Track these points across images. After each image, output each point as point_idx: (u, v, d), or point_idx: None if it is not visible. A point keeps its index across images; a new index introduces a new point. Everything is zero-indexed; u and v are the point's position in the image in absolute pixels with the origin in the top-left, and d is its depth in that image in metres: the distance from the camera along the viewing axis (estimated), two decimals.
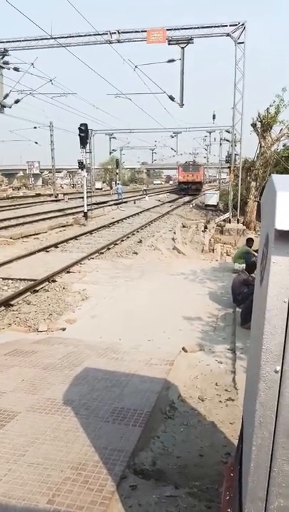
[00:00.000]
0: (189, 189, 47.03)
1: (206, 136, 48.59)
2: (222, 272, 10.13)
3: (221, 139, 40.98)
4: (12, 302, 7.48)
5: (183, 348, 5.47)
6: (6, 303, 7.37)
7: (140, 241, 15.28)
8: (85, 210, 19.97)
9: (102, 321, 6.74)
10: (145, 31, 15.61)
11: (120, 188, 36.83)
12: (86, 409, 3.59)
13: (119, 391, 3.98)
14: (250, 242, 9.98)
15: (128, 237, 16.08)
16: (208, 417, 3.83)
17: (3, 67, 16.06)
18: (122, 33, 16.00)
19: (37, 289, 8.42)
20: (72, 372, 4.40)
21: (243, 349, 5.41)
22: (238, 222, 19.04)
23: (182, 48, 15.71)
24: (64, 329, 6.31)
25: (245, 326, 6.16)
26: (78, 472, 2.74)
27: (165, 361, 4.87)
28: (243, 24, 15.84)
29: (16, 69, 17.07)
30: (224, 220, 20.14)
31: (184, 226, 19.15)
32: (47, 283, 8.89)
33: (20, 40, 16.54)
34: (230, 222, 19.25)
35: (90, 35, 16.14)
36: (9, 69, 17.01)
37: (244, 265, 8.25)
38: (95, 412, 3.55)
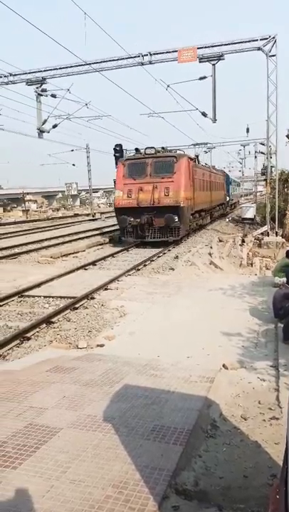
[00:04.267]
0: (150, 228, 17.41)
1: (240, 150, 47.53)
2: (262, 287, 9.89)
3: (255, 151, 40.57)
4: (53, 319, 7.65)
5: (223, 365, 5.35)
6: (48, 320, 7.55)
7: (176, 257, 15.25)
8: None
9: (140, 337, 6.74)
10: (176, 51, 15.91)
11: None
12: (126, 427, 3.58)
13: (159, 409, 3.94)
14: None
15: (164, 253, 16.10)
16: (252, 437, 3.71)
17: (41, 95, 16.86)
18: (154, 54, 16.39)
19: (76, 306, 8.57)
20: (111, 389, 4.41)
21: (286, 366, 5.22)
22: (276, 235, 18.60)
23: (213, 64, 15.86)
24: (103, 346, 6.36)
25: (288, 342, 5.95)
26: (119, 491, 2.72)
27: (205, 378, 4.78)
28: (274, 37, 15.80)
29: (53, 95, 17.87)
30: (262, 233, 19.74)
31: (220, 240, 18.95)
32: (86, 300, 9.03)
33: (56, 69, 17.33)
34: (268, 235, 18.84)
35: (123, 58, 16.65)
36: (47, 96, 17.83)
37: (285, 279, 8.02)
38: (135, 430, 3.53)
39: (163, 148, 18.92)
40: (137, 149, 18.77)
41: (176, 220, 16.87)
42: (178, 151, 19.33)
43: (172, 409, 3.95)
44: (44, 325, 7.39)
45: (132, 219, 17.10)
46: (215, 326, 7.01)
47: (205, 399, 4.22)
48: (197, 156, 24.81)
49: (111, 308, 8.48)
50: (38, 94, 16.96)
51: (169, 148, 19.99)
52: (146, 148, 17.87)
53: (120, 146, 20.76)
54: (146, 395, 4.25)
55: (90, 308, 8.51)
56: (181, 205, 16.93)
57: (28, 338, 6.78)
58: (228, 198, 38.86)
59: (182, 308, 8.30)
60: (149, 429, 3.54)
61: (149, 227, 17.24)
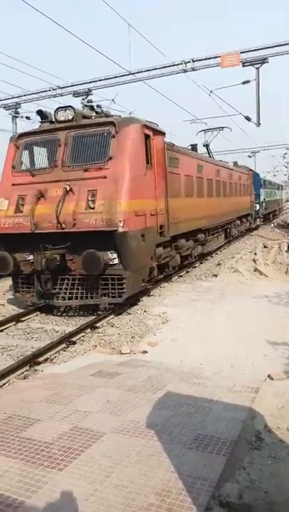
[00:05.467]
0: (60, 277, 8.31)
1: (285, 154, 45.77)
2: None
3: None
4: (97, 325, 7.80)
5: (268, 376, 5.21)
6: (92, 325, 7.70)
7: (219, 263, 15.05)
8: None
9: (182, 344, 6.71)
10: (218, 57, 15.83)
11: None
12: (169, 435, 3.58)
13: (202, 417, 3.91)
14: None
15: (207, 260, 15.94)
16: None
17: (87, 106, 17.35)
18: (196, 61, 16.41)
19: (120, 311, 8.68)
20: (154, 395, 4.43)
21: None
22: None
23: (257, 68, 15.62)
24: (145, 352, 6.40)
25: None
26: (162, 498, 2.72)
27: (249, 388, 4.68)
28: None
29: (98, 106, 18.32)
30: None
31: (265, 246, 18.45)
32: (129, 306, 9.13)
33: (101, 80, 17.81)
34: None
35: (166, 66, 16.80)
36: (92, 107, 18.35)
37: None
38: (177, 438, 3.53)
39: (93, 109, 9.71)
40: (41, 113, 9.26)
41: (115, 261, 8.02)
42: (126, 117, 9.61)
43: (216, 418, 3.90)
44: (89, 330, 7.56)
45: (26, 257, 8.37)
46: (260, 334, 6.84)
47: (249, 409, 4.13)
48: (195, 146, 15.66)
49: (153, 314, 8.52)
50: (84, 105, 17.47)
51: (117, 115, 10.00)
52: (57, 109, 8.94)
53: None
54: (188, 403, 4.23)
55: (133, 314, 8.58)
56: (123, 229, 7.76)
57: (74, 342, 6.95)
58: (257, 207, 27.12)
59: (225, 316, 8.18)
60: (192, 438, 3.52)
61: (57, 276, 8.33)
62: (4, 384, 5.33)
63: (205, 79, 17.80)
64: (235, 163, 24.54)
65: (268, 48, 15.60)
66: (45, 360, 6.19)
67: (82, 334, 7.33)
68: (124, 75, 17.27)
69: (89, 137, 8.50)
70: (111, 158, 8.08)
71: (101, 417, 3.88)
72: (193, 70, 16.58)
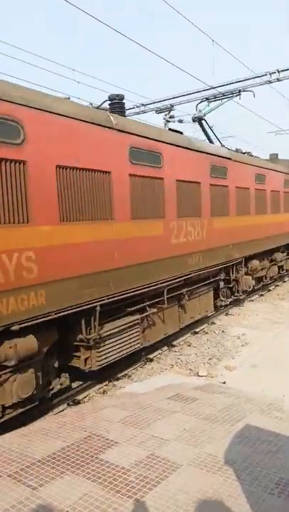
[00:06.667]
0: None
1: None
2: None
3: None
4: (174, 343, 7.77)
5: None
6: (169, 343, 7.70)
7: None
8: None
9: (263, 371, 6.39)
10: None
11: None
12: (248, 475, 3.40)
13: (285, 459, 3.65)
14: None
15: None
16: None
17: (169, 121, 17.63)
18: (282, 71, 15.80)
19: (197, 330, 8.57)
20: (233, 427, 4.26)
21: None
22: None
23: None
24: (224, 379, 6.20)
25: None
26: None
27: None
28: None
29: (180, 121, 18.55)
30: None
31: None
32: (206, 325, 8.97)
33: (183, 95, 17.97)
34: None
35: (249, 79, 16.43)
36: (174, 122, 18.59)
37: None
38: (258, 480, 3.33)
39: None
40: None
41: None
42: None
43: None
44: (166, 347, 7.55)
45: None
46: None
47: None
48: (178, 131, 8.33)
49: (232, 335, 8.26)
50: (167, 120, 17.79)
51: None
52: None
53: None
54: (270, 440, 3.99)
55: (210, 334, 8.41)
56: None
57: (151, 360, 7.00)
58: None
59: None
60: (273, 482, 3.30)
61: None
62: (85, 397, 5.53)
63: None
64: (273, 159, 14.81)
65: None
66: (124, 376, 6.31)
67: (159, 352, 7.35)
68: (205, 90, 17.25)
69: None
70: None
71: (178, 447, 3.82)
72: (278, 80, 15.96)
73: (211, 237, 8.25)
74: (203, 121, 10.69)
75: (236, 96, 11.57)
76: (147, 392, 5.41)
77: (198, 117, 10.86)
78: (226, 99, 12.05)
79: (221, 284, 9.64)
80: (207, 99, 11.07)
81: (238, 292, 10.23)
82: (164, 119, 17.44)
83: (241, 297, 10.58)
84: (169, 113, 17.81)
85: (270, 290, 12.92)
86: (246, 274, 10.51)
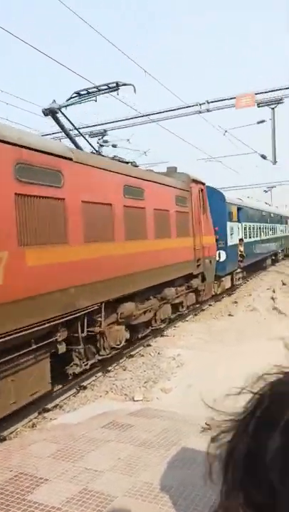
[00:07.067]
0: None
1: None
2: None
3: None
4: (109, 368, 7.58)
5: None
6: (104, 368, 7.49)
7: (236, 301, 14.76)
8: None
9: (198, 391, 6.42)
10: (234, 98, 16.22)
11: None
12: (185, 499, 3.32)
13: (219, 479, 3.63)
14: None
15: (223, 297, 15.66)
16: None
17: (103, 146, 17.84)
18: (211, 102, 16.84)
19: (132, 353, 8.46)
20: (168, 452, 4.17)
21: None
22: None
23: (272, 108, 15.91)
24: (160, 402, 6.14)
25: None
26: None
27: None
28: None
29: (114, 145, 18.86)
30: None
31: (284, 284, 18.11)
32: (142, 347, 8.90)
33: (116, 121, 18.38)
34: None
35: (180, 108, 17.27)
36: (108, 146, 18.85)
37: None
38: (194, 504, 3.26)
39: None
40: None
41: None
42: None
43: None
44: (100, 373, 7.34)
45: None
46: None
47: None
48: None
49: (167, 356, 8.27)
50: (100, 145, 17.96)
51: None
52: None
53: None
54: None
55: (146, 357, 8.35)
56: None
57: (85, 387, 6.74)
58: (221, 257, 14.02)
59: (242, 360, 7.85)
60: (208, 505, 3.25)
61: None
62: (12, 433, 5.13)
63: (220, 118, 18.19)
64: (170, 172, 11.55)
65: (284, 89, 15.95)
66: (55, 406, 5.99)
67: (94, 378, 7.12)
68: (138, 117, 17.81)
69: None
70: None
71: (112, 477, 3.64)
72: (208, 111, 16.97)
73: (26, 281, 5.08)
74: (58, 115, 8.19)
75: (114, 91, 8.53)
76: (81, 422, 5.16)
77: (51, 109, 8.03)
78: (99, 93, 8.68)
79: (62, 347, 6.05)
80: (78, 94, 8.39)
81: (104, 349, 7.28)
82: (98, 142, 17.63)
83: (109, 355, 7.51)
84: (102, 137, 18.06)
85: (204, 310, 13.26)
86: (117, 323, 7.63)
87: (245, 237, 17.91)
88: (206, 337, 9.77)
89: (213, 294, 13.98)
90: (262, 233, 22.33)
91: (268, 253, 24.94)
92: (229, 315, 12.56)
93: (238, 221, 16.74)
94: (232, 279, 16.27)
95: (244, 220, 17.79)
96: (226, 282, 15.32)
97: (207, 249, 12.14)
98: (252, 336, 9.59)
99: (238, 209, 16.94)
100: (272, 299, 14.61)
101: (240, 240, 16.68)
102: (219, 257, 13.58)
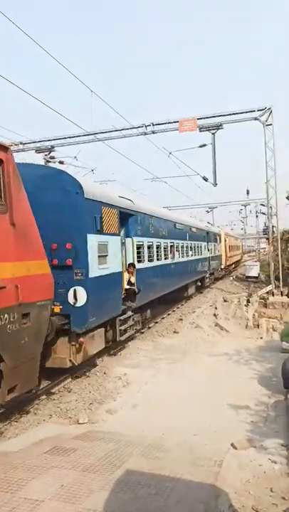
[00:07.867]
0: None
1: (241, 210, 47.51)
2: (269, 352, 9.63)
3: (256, 211, 41.30)
4: (53, 390, 7.36)
5: (232, 445, 5.06)
6: (48, 391, 7.26)
7: (181, 318, 15.04)
8: None
9: (143, 411, 6.44)
10: (177, 121, 16.88)
11: None
12: None
13: (163, 500, 3.65)
14: None
15: (169, 314, 15.89)
16: None
17: (49, 161, 17.66)
18: (156, 124, 17.38)
19: (78, 374, 8.29)
20: (113, 475, 4.13)
21: None
22: (281, 295, 18.41)
23: (213, 133, 16.75)
24: (105, 423, 6.05)
25: None
26: None
27: (212, 461, 4.49)
28: (269, 108, 16.76)
29: (60, 162, 18.67)
30: (267, 293, 19.57)
31: (225, 300, 18.76)
32: (88, 367, 8.75)
33: (64, 138, 18.35)
34: (273, 295, 18.66)
35: (127, 128, 17.64)
36: (55, 162, 18.70)
37: None
38: None
39: None
40: None
41: None
42: None
43: (177, 501, 3.66)
44: (44, 396, 7.10)
45: None
46: (222, 397, 6.73)
47: (212, 488, 3.93)
48: None
49: (114, 376, 8.21)
50: (47, 160, 17.77)
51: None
52: None
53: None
54: (149, 484, 3.96)
55: (92, 377, 8.22)
56: None
57: (28, 412, 6.48)
58: (79, 299, 7.42)
59: (187, 377, 8.02)
60: None
61: None
62: None
63: (165, 140, 18.79)
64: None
65: (223, 115, 16.87)
66: None
67: (37, 402, 6.87)
68: (85, 135, 17.93)
69: None
70: None
71: (54, 507, 3.53)
72: (153, 132, 17.49)
73: None
74: None
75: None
76: (22, 449, 4.95)
77: None
78: None
79: None
80: None
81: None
82: (44, 158, 17.45)
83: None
84: (49, 153, 17.89)
85: (150, 327, 13.36)
86: None
87: (142, 261, 11.49)
88: (152, 355, 9.84)
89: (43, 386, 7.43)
90: (176, 254, 16.16)
91: (189, 280, 19.32)
92: (174, 332, 12.76)
93: (128, 235, 10.93)
94: (113, 332, 9.32)
95: (139, 234, 11.44)
96: (96, 341, 8.27)
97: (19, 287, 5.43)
98: (196, 354, 9.82)
99: (128, 215, 10.74)
100: (215, 315, 15.08)
101: (131, 265, 10.52)
102: (75, 299, 7.54)
